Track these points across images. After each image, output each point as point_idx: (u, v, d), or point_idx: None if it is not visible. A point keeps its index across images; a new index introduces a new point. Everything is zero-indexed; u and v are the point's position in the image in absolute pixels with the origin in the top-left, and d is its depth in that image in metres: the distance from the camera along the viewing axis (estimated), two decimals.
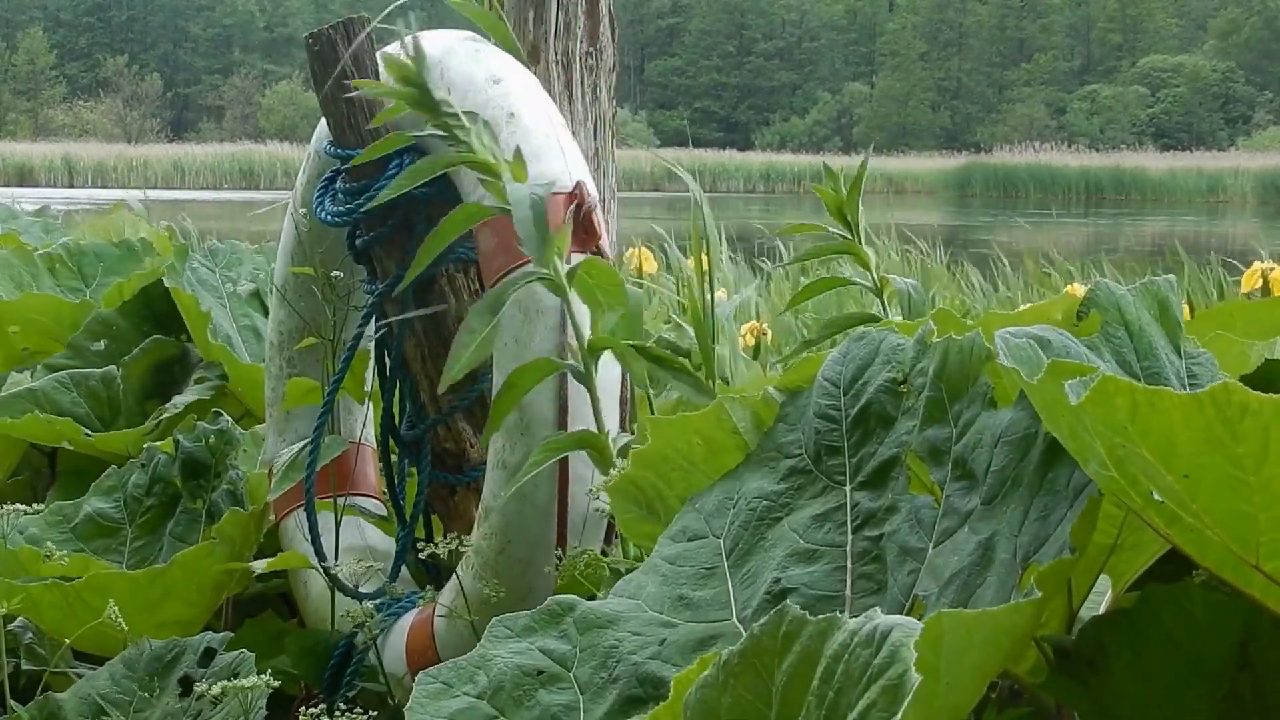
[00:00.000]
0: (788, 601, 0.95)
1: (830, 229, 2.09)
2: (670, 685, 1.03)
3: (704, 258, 2.26)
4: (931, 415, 1.29)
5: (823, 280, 2.29)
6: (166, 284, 2.98)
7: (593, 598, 1.43)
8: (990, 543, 1.18)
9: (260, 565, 2.09)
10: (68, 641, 1.91)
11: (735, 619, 1.31)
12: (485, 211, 1.74)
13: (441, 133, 1.73)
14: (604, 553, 1.84)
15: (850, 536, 1.31)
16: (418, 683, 1.28)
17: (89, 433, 2.73)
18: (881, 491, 1.31)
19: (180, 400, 2.78)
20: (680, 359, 1.70)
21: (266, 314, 3.13)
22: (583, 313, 1.74)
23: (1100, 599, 1.32)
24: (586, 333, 1.73)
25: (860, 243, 2.08)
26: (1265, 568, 1.04)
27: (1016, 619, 1.03)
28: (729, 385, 2.57)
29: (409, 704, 1.27)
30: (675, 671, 1.18)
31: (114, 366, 2.94)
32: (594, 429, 1.74)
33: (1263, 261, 3.39)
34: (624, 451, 1.69)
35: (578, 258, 1.84)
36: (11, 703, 1.75)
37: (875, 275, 2.11)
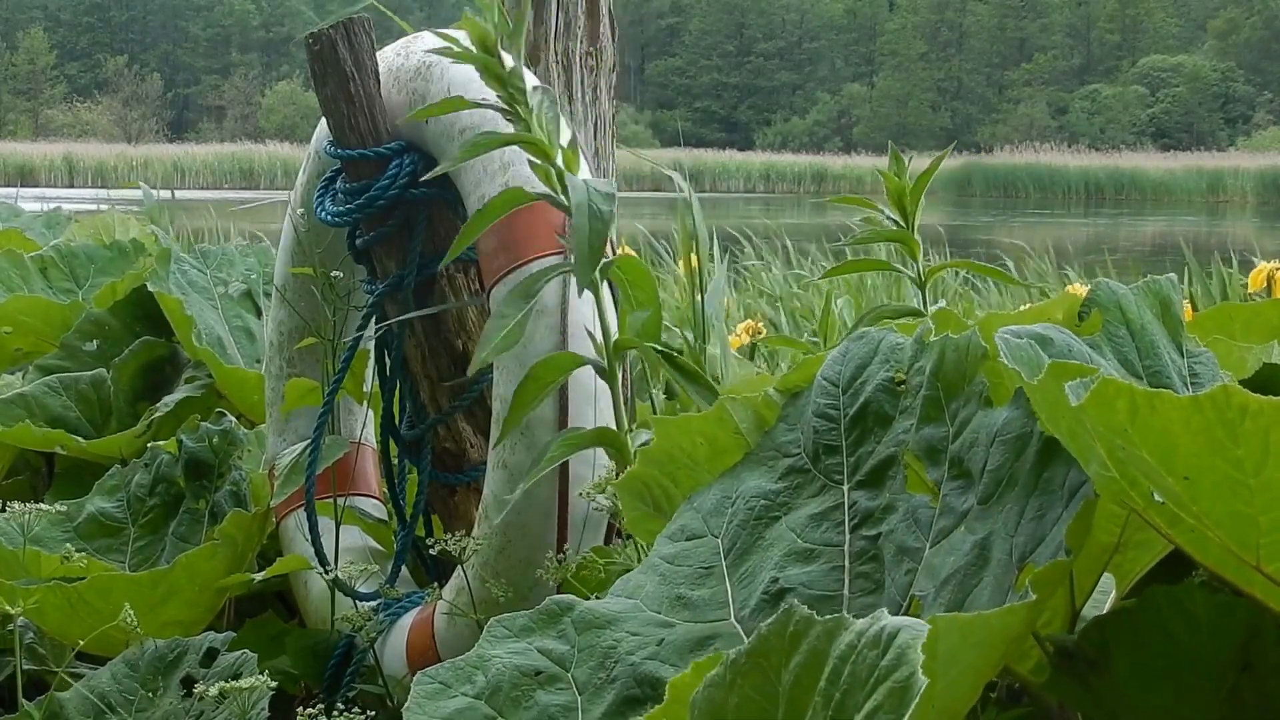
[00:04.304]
0: (794, 601, 0.95)
1: (884, 212, 2.07)
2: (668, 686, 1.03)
3: (693, 259, 2.26)
4: (928, 414, 1.29)
5: (864, 260, 2.27)
6: (150, 288, 2.96)
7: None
8: (986, 543, 1.18)
9: (259, 575, 2.08)
10: (80, 644, 1.90)
11: (733, 618, 1.31)
12: (528, 196, 1.73)
13: (504, 107, 1.72)
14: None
15: (848, 536, 1.30)
16: (415, 683, 1.29)
17: (81, 439, 2.71)
18: (879, 490, 1.31)
19: (170, 399, 2.77)
20: (695, 365, 1.71)
21: (259, 315, 3.13)
22: (589, 313, 1.74)
23: (1106, 597, 1.31)
24: (612, 331, 1.73)
25: (913, 233, 2.06)
26: (1266, 569, 1.04)
27: (1010, 621, 1.02)
28: (719, 384, 2.57)
29: (407, 704, 1.27)
30: (673, 671, 1.18)
31: (104, 369, 2.92)
32: (609, 427, 1.75)
33: (1259, 262, 3.37)
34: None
35: None
36: (22, 701, 1.75)
37: (921, 266, 2.09)
